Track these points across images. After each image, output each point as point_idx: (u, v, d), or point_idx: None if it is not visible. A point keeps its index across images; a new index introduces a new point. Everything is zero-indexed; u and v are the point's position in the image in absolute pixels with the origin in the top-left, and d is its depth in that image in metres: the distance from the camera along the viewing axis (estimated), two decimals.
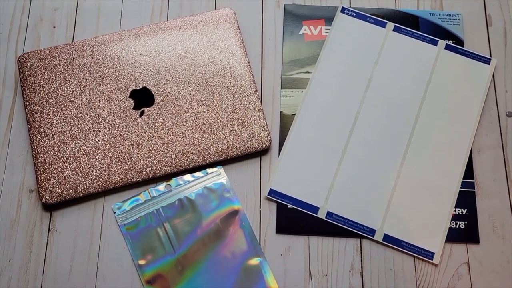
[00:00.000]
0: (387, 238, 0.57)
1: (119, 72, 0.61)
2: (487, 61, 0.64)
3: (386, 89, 0.63)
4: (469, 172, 0.60)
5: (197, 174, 0.59)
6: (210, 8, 0.66)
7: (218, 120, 0.60)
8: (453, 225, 0.58)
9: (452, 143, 0.61)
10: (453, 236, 0.57)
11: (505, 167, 0.61)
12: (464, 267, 0.57)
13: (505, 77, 0.64)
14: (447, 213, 0.58)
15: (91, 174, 0.57)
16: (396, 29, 0.65)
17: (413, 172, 0.60)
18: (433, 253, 0.57)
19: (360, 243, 0.58)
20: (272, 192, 0.59)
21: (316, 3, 0.67)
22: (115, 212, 0.58)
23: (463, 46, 0.65)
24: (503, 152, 0.61)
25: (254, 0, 0.67)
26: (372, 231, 0.57)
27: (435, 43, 0.64)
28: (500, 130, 0.62)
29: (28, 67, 0.60)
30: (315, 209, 0.58)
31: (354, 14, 0.66)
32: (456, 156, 0.60)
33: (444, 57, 0.64)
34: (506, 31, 0.66)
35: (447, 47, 0.64)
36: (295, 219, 0.58)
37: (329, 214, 0.58)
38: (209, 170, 0.60)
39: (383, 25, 0.65)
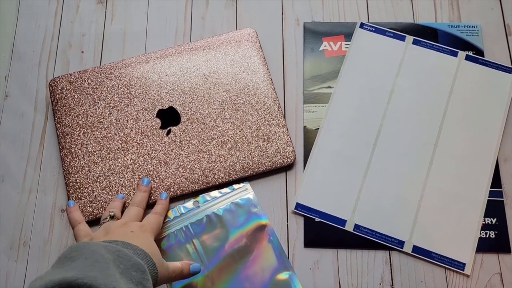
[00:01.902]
0: (416, 249, 0.57)
1: (146, 92, 0.63)
2: (508, 70, 0.64)
3: (408, 101, 0.63)
4: (496, 181, 0.60)
5: (224, 190, 0.60)
6: (232, 29, 0.68)
7: (243, 137, 0.61)
8: (483, 235, 0.57)
9: (477, 153, 0.61)
10: (484, 246, 0.57)
11: None
12: (497, 277, 0.56)
13: None
14: (476, 223, 0.58)
15: (120, 192, 0.59)
16: (415, 42, 0.66)
17: (439, 183, 0.59)
18: (464, 264, 0.56)
19: (389, 255, 0.57)
20: (298, 206, 0.59)
21: (334, 19, 0.68)
22: None
23: (483, 57, 0.65)
24: None
25: (275, 19, 0.69)
26: (401, 243, 0.57)
27: (455, 54, 0.65)
28: None
29: (59, 91, 0.63)
30: (343, 222, 0.58)
31: (373, 29, 0.67)
32: (482, 166, 0.60)
33: (465, 68, 0.64)
34: None
35: (468, 58, 0.65)
36: (323, 232, 0.58)
37: (356, 226, 0.58)
38: (235, 186, 0.60)
39: (402, 38, 0.66)
